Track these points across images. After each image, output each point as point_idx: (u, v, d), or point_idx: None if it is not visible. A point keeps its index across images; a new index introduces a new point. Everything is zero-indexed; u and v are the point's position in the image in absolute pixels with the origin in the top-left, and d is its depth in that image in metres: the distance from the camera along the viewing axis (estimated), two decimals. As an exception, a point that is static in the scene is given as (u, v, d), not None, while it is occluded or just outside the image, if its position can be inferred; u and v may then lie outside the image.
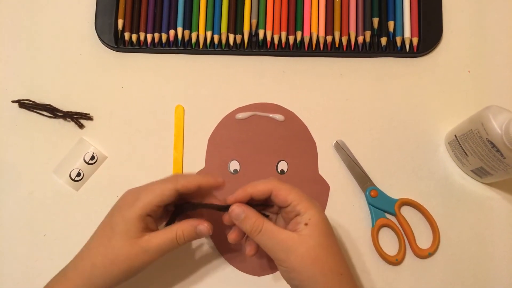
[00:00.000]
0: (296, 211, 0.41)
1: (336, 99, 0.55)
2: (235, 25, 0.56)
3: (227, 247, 0.50)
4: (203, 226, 0.43)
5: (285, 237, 0.40)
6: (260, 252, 0.51)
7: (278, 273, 0.50)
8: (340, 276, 0.40)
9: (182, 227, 0.42)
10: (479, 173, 0.50)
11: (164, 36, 0.56)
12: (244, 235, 0.45)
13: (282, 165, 0.53)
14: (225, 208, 0.43)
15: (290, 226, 0.42)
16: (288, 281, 0.42)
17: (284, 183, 0.42)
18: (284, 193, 0.42)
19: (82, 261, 0.41)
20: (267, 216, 0.44)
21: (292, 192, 0.42)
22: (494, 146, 0.45)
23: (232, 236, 0.44)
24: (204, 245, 0.51)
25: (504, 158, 0.45)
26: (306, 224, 0.40)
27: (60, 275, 0.42)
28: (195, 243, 0.51)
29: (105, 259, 0.41)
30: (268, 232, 0.41)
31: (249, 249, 0.45)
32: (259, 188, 0.42)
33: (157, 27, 0.56)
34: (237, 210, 0.42)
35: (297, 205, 0.41)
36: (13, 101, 0.55)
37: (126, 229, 0.40)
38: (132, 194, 0.42)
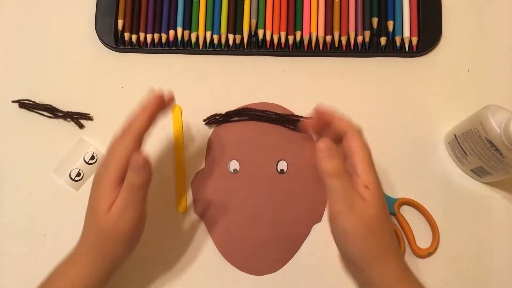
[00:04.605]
0: (355, 169, 0.39)
1: (336, 99, 0.55)
2: (235, 25, 0.56)
3: (227, 246, 0.50)
4: (137, 158, 0.39)
5: (353, 195, 0.38)
6: (260, 252, 0.50)
7: (278, 273, 0.50)
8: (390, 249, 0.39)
9: (127, 180, 0.40)
10: (479, 173, 0.50)
11: (164, 36, 0.56)
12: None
13: (282, 165, 0.53)
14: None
15: None
16: (338, 241, 0.40)
17: (362, 138, 0.40)
18: (355, 143, 0.39)
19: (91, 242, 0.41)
20: None
21: (362, 149, 0.39)
22: (493, 145, 0.45)
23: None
24: (205, 244, 0.51)
25: (503, 157, 0.45)
26: (366, 187, 0.38)
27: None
28: (195, 241, 0.51)
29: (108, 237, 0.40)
30: (345, 181, 0.38)
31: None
32: (342, 122, 0.40)
33: (157, 27, 0.57)
34: (328, 144, 0.38)
35: (358, 163, 0.39)
36: (13, 101, 0.55)
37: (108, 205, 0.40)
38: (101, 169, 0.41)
